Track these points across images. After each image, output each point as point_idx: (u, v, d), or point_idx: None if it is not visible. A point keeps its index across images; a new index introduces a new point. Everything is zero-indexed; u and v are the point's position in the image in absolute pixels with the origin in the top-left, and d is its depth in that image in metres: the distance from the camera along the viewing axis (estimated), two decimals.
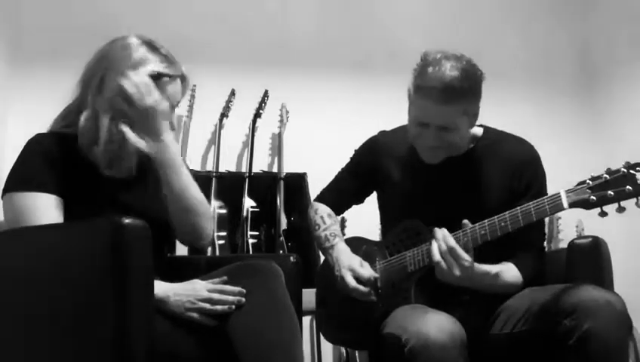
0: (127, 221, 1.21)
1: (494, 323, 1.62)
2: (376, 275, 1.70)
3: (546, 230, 2.47)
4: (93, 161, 1.49)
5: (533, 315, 1.51)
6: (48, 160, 1.45)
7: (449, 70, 1.55)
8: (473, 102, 1.62)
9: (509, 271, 1.62)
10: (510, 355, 1.59)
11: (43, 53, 3.14)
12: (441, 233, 1.54)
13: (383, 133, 1.89)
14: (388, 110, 2.80)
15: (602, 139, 3.63)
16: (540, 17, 3.81)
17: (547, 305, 1.48)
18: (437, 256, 1.52)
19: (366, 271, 1.69)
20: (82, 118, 1.48)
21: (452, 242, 1.51)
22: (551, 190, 1.50)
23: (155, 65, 1.48)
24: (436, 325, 1.39)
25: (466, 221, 1.56)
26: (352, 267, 1.69)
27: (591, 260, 1.69)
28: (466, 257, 1.50)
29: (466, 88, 1.57)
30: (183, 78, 1.56)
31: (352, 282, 1.67)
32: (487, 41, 3.56)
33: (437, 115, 1.59)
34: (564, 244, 2.15)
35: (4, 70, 3.04)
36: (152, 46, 1.51)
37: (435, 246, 1.53)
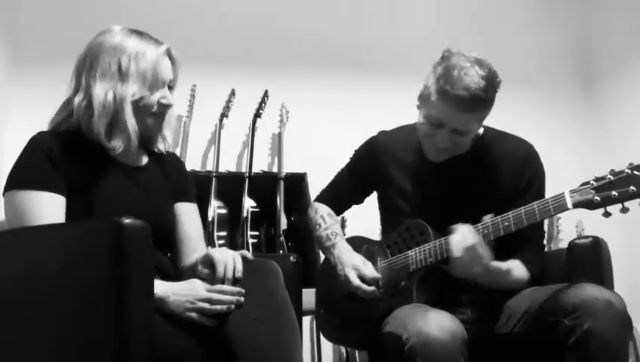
0: (127, 221, 1.21)
1: (495, 322, 1.62)
2: (379, 276, 1.70)
3: (546, 229, 2.47)
4: (94, 138, 1.49)
5: (534, 315, 1.51)
6: (51, 158, 1.45)
7: (476, 78, 1.55)
8: (489, 110, 1.64)
9: (517, 268, 1.63)
10: (510, 355, 1.59)
11: (43, 53, 3.14)
12: (466, 228, 1.53)
13: (383, 132, 1.89)
14: (388, 110, 2.81)
15: (604, 139, 3.63)
16: (540, 18, 3.81)
17: (547, 305, 1.48)
18: (458, 251, 1.51)
19: (369, 271, 1.69)
20: (76, 100, 1.50)
21: (476, 239, 1.51)
22: (552, 190, 1.50)
23: (135, 44, 1.51)
24: (437, 323, 1.39)
25: (487, 216, 1.56)
26: (356, 266, 1.70)
27: (591, 260, 1.69)
28: (487, 255, 1.51)
29: (489, 98, 1.59)
30: (170, 54, 1.57)
31: (356, 281, 1.68)
32: (486, 42, 3.56)
33: (457, 120, 1.60)
34: (564, 244, 2.14)
35: (5, 70, 3.04)
36: (133, 31, 1.55)
37: (456, 240, 1.52)
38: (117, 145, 1.50)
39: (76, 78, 1.54)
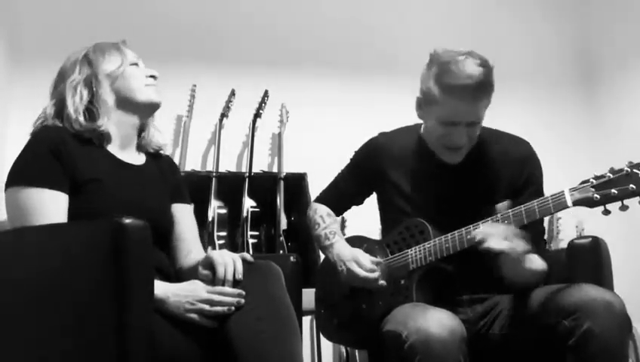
0: (127, 221, 1.21)
1: (494, 322, 1.62)
2: (379, 260, 1.71)
3: (545, 230, 2.48)
4: (98, 136, 1.53)
5: (533, 315, 1.51)
6: (55, 153, 1.44)
7: (474, 65, 1.57)
8: (492, 94, 1.64)
9: (536, 259, 1.60)
10: (510, 355, 1.59)
11: (44, 50, 3.13)
12: (489, 224, 1.50)
13: (383, 134, 1.89)
14: (388, 110, 2.81)
15: (604, 139, 3.64)
16: (540, 18, 3.81)
17: (547, 305, 1.48)
18: (503, 243, 1.46)
19: (367, 260, 1.70)
20: (69, 104, 1.52)
21: (510, 228, 1.47)
22: (552, 189, 1.51)
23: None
24: (436, 321, 1.40)
25: (500, 204, 1.52)
26: (356, 257, 1.70)
27: (591, 260, 1.69)
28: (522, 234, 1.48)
29: (491, 81, 1.61)
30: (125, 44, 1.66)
31: (360, 271, 1.68)
32: (486, 42, 3.56)
33: (470, 112, 1.61)
34: (564, 244, 2.15)
35: (5, 67, 3.04)
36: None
37: (492, 242, 1.47)
38: (102, 122, 1.53)
39: (58, 91, 1.60)
